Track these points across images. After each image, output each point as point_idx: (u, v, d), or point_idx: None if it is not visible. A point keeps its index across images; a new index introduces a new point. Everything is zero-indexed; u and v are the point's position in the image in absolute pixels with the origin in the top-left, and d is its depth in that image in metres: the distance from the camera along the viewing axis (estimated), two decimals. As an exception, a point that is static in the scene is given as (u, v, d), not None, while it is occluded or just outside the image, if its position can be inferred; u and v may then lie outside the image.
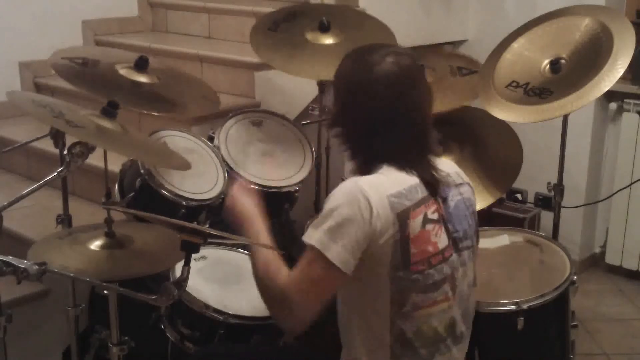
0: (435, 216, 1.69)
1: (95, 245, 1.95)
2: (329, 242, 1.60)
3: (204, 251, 2.28)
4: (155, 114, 2.41)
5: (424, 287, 1.68)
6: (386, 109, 1.70)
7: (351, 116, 1.75)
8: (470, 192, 1.83)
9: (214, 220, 2.45)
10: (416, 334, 1.70)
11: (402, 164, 1.70)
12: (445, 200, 1.74)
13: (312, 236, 1.63)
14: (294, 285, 1.64)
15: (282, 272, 1.68)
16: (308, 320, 1.66)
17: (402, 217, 1.64)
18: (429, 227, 1.68)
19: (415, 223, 1.65)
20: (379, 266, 1.64)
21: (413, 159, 1.72)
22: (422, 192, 1.69)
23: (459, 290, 1.76)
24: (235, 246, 2.38)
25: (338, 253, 1.60)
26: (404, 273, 1.65)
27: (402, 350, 1.70)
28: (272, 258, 1.72)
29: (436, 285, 1.70)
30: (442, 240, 1.70)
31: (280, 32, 2.75)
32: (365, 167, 1.73)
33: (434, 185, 1.71)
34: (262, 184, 2.53)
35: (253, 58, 3.02)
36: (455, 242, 1.74)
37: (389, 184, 1.66)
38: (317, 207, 2.98)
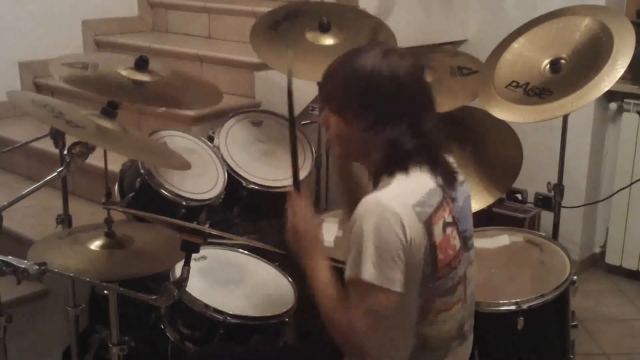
0: (450, 218, 1.69)
1: (95, 245, 1.95)
2: (379, 271, 1.55)
3: (204, 251, 2.28)
4: (162, 109, 2.40)
5: (445, 291, 1.68)
6: (415, 105, 1.66)
7: (387, 119, 1.65)
8: (469, 188, 1.83)
9: (214, 220, 2.45)
10: (436, 337, 1.71)
11: (423, 166, 1.66)
12: (455, 200, 1.73)
13: (362, 271, 1.56)
14: (360, 325, 1.58)
15: (343, 309, 1.61)
16: (378, 348, 1.63)
17: (428, 225, 1.61)
18: (448, 230, 1.67)
19: (438, 229, 1.64)
20: (412, 276, 1.61)
21: (433, 158, 1.69)
22: (438, 196, 1.66)
23: (468, 289, 1.77)
24: (235, 246, 2.38)
25: (391, 278, 1.56)
26: (432, 280, 1.64)
27: (421, 354, 1.70)
28: (332, 291, 1.66)
29: (454, 288, 1.70)
30: (457, 242, 1.71)
31: (280, 31, 2.74)
32: (385, 172, 1.67)
33: (450, 184, 1.70)
34: (262, 184, 2.54)
35: (253, 58, 3.02)
36: (465, 242, 1.74)
37: (409, 193, 1.62)
38: (317, 207, 2.98)
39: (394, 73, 1.64)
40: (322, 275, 1.69)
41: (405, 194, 1.61)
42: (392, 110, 1.65)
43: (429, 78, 2.80)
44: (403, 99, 1.65)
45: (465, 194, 1.78)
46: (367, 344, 1.60)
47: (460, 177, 1.79)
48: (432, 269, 1.63)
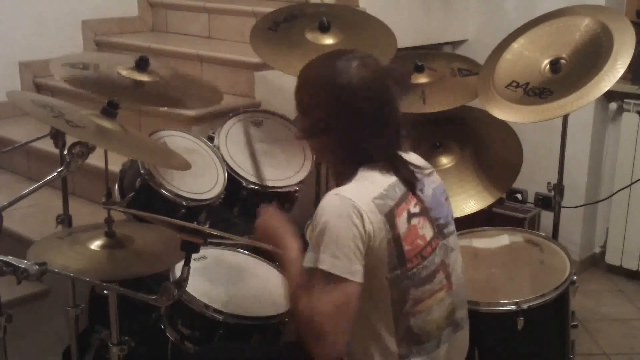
0: (417, 209, 1.73)
1: (95, 245, 1.95)
2: (337, 261, 1.59)
3: (204, 251, 2.28)
4: (164, 109, 2.40)
5: (421, 281, 1.71)
6: (373, 111, 1.71)
7: (340, 123, 1.72)
8: (439, 179, 1.87)
9: (214, 220, 2.45)
10: (422, 328, 1.73)
11: (381, 165, 1.72)
12: (422, 191, 1.77)
13: (317, 260, 1.60)
14: (321, 315, 1.59)
15: (306, 299, 1.63)
16: (343, 344, 1.62)
17: (390, 217, 1.66)
18: (414, 221, 1.71)
19: (402, 220, 1.68)
20: (377, 270, 1.65)
21: (391, 158, 1.75)
22: (400, 190, 1.71)
23: (454, 276, 1.80)
24: (235, 246, 2.38)
25: (348, 268, 1.60)
26: (401, 271, 1.67)
27: (409, 348, 1.72)
28: (298, 281, 1.69)
29: (431, 276, 1.73)
30: (428, 231, 1.74)
31: (280, 32, 2.75)
32: (346, 172, 1.73)
33: (412, 182, 1.75)
34: (261, 184, 2.54)
35: (253, 58, 3.02)
36: (440, 230, 1.78)
37: (369, 188, 1.68)
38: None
39: (365, 85, 1.69)
40: (290, 267, 1.73)
41: (365, 189, 1.67)
42: (360, 117, 1.71)
43: (427, 79, 2.86)
44: (372, 108, 1.70)
45: (434, 183, 1.83)
46: (331, 337, 1.59)
47: (429, 169, 1.85)
48: (400, 260, 1.67)
